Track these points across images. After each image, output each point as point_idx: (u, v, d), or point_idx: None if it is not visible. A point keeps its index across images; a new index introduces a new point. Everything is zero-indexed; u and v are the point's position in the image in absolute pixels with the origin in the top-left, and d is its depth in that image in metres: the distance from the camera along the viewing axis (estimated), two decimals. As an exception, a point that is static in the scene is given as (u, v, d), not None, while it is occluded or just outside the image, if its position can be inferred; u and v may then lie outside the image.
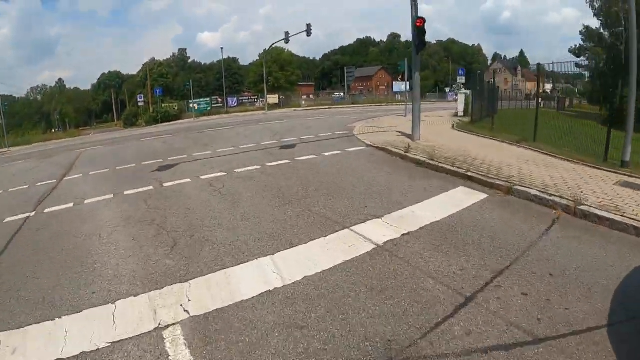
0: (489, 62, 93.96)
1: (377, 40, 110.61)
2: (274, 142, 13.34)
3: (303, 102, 48.35)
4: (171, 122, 39.39)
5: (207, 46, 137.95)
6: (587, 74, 32.00)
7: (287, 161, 9.61)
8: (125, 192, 7.78)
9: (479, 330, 2.93)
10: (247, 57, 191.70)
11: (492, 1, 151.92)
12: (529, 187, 6.20)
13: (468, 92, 21.52)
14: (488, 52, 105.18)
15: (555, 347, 2.73)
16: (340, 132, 15.12)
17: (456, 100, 41.10)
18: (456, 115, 21.97)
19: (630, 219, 4.85)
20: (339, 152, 10.53)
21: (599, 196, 5.79)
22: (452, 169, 7.51)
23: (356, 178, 7.56)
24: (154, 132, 25.38)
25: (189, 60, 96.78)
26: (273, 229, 5.09)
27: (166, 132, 24.30)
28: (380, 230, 4.80)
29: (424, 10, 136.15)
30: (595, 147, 9.32)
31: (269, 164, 9.34)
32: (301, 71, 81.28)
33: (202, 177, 8.47)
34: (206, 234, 5.08)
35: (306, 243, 4.56)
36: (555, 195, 5.87)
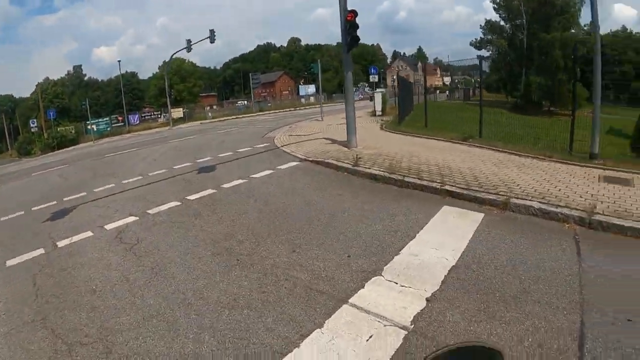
0: (389, 60, 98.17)
1: (278, 45, 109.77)
2: (189, 165, 11.07)
3: (210, 114, 45.15)
4: (69, 148, 33.81)
5: (104, 61, 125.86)
6: (485, 64, 33.89)
7: (212, 191, 7.57)
8: (8, 262, 5.17)
9: None
10: (146, 71, 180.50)
11: (388, 2, 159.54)
12: (526, 199, 5.09)
13: (384, 90, 21.19)
14: (386, 50, 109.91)
15: None
16: (261, 145, 13.29)
17: (362, 99, 41.80)
18: (374, 114, 21.38)
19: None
20: (269, 171, 8.74)
21: (600, 199, 5.04)
22: (423, 183, 6.11)
23: (310, 208, 5.82)
24: (49, 163, 20.80)
25: (85, 78, 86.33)
26: (231, 319, 3.15)
27: (63, 160, 20.09)
28: (392, 298, 3.20)
29: (321, 14, 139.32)
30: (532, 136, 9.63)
31: (191, 197, 7.22)
32: (203, 81, 77.29)
33: (108, 227, 6.08)
34: (130, 344, 2.98)
35: (298, 346, 2.72)
36: (560, 206, 4.83)
